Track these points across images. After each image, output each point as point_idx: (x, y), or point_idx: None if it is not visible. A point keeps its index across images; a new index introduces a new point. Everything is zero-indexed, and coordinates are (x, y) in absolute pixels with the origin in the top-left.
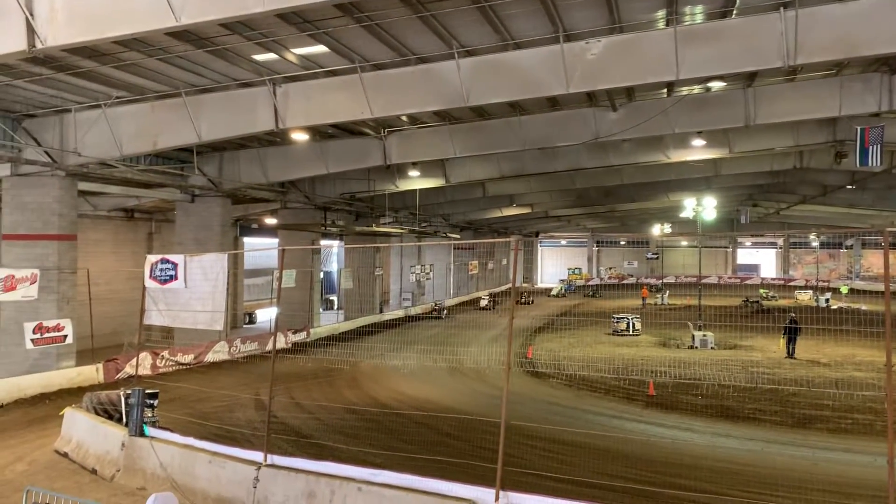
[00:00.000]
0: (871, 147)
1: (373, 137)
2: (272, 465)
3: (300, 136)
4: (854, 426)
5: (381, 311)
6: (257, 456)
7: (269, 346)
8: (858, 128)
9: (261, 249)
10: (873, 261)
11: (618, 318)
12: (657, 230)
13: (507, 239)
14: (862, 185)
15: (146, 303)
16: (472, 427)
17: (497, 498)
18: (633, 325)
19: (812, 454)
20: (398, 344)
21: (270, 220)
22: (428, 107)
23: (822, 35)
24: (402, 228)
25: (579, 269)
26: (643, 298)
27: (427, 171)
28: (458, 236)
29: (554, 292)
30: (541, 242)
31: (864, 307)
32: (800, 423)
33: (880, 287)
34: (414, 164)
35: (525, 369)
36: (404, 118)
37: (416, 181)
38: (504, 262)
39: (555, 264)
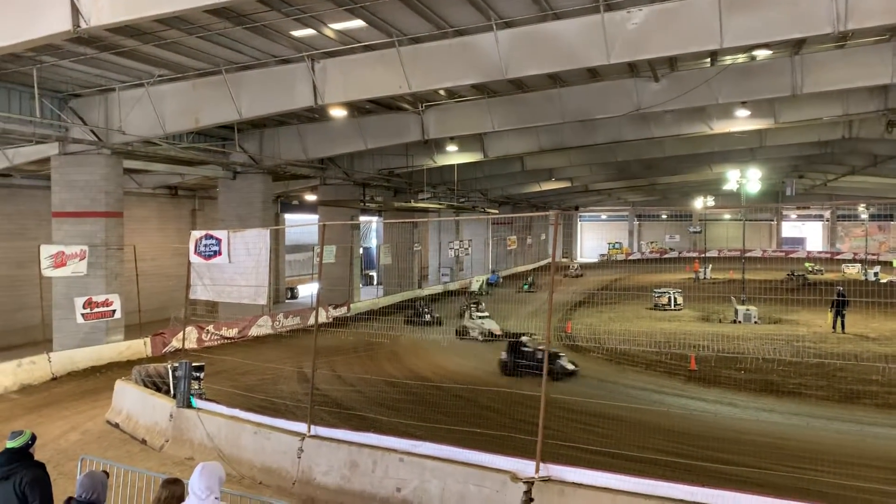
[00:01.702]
0: None
1: (410, 112)
2: (316, 436)
3: (339, 113)
4: None
5: (419, 287)
6: (301, 427)
7: (311, 321)
8: None
9: (301, 225)
10: None
11: (659, 293)
12: (700, 203)
13: (546, 213)
14: None
15: (191, 278)
16: (512, 400)
17: (537, 470)
18: (675, 299)
19: (859, 429)
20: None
21: (310, 197)
22: (466, 80)
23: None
24: (440, 204)
25: (619, 243)
26: (696, 272)
27: (465, 145)
28: (497, 211)
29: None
30: (580, 217)
31: None
32: (846, 398)
33: None
34: (452, 139)
35: (564, 343)
36: (442, 92)
37: (453, 156)
38: (543, 237)
39: (595, 238)
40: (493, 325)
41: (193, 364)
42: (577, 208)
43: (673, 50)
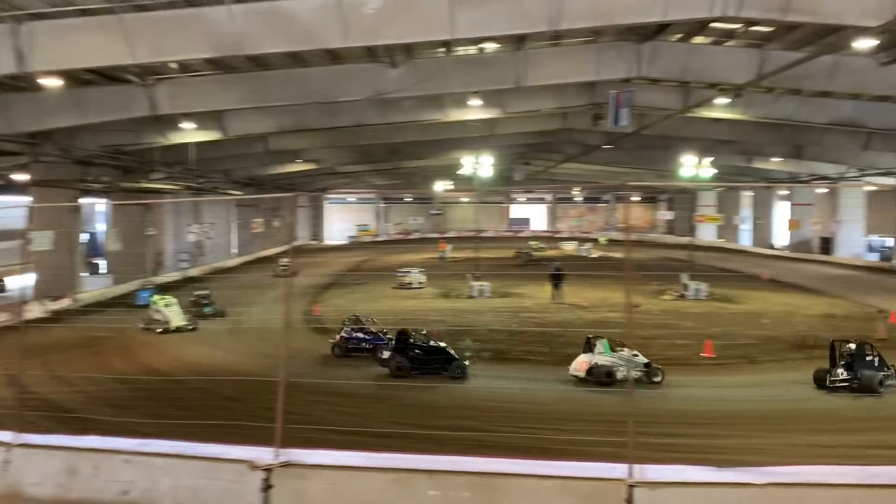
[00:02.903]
0: (621, 109)
1: (138, 85)
2: (25, 445)
3: (52, 82)
4: None
5: (155, 274)
6: (4, 436)
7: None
8: (612, 92)
9: (7, 208)
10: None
11: (403, 272)
12: (440, 187)
13: (288, 195)
14: (617, 145)
15: None
16: (255, 388)
17: (276, 456)
18: (418, 278)
19: (575, 388)
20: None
21: (20, 176)
22: (199, 54)
23: (581, 3)
24: (176, 185)
25: (367, 225)
26: (442, 251)
27: (202, 123)
28: (240, 193)
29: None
30: (328, 199)
31: (618, 255)
32: (562, 361)
33: (631, 237)
34: (187, 116)
35: (312, 326)
36: (174, 65)
37: (190, 134)
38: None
39: (343, 220)
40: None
41: None
42: (324, 190)
43: (408, 37)
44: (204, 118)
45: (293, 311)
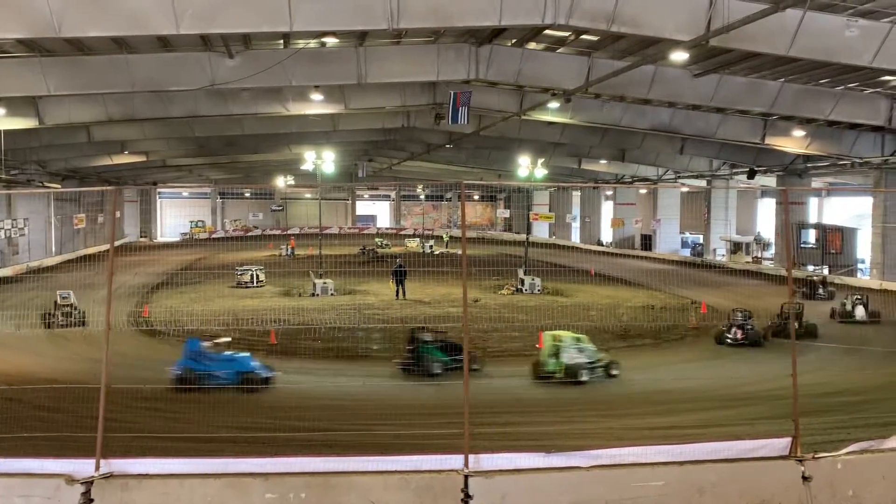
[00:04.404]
0: (460, 108)
1: None
2: None
3: None
4: None
5: None
6: None
7: None
8: (452, 92)
9: None
10: (468, 211)
11: (241, 270)
12: (281, 182)
13: (111, 188)
14: (458, 144)
15: None
16: (76, 396)
17: (97, 467)
18: (258, 276)
19: (411, 384)
20: None
21: None
22: (8, 33)
23: (421, 3)
24: None
25: (202, 221)
26: (292, 248)
27: (14, 109)
28: (59, 186)
29: None
30: (159, 193)
31: (460, 252)
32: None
33: (471, 234)
34: None
35: (141, 329)
36: None
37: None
38: (119, 214)
39: (177, 216)
40: None
41: None
42: (154, 184)
43: (245, 27)
44: (16, 104)
45: (120, 313)
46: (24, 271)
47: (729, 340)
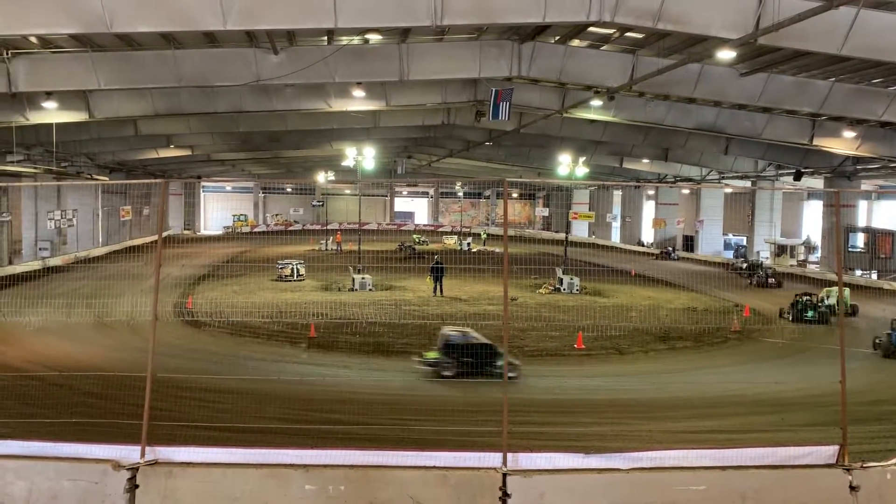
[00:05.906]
0: (501, 104)
1: None
2: None
3: None
4: None
5: (10, 263)
6: None
7: None
8: (493, 89)
9: None
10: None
11: (282, 264)
12: (322, 178)
13: (158, 181)
14: (497, 142)
15: None
16: (121, 384)
17: (143, 454)
18: (298, 270)
19: (451, 381)
20: (31, 299)
21: None
22: (61, 28)
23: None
24: (35, 168)
25: (245, 215)
26: (337, 243)
27: (66, 102)
28: (107, 178)
29: None
30: (203, 187)
31: (498, 250)
32: None
33: (510, 232)
34: (49, 94)
35: (184, 319)
36: (33, 39)
37: (52, 114)
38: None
39: (220, 209)
40: None
41: None
42: (199, 178)
43: (290, 23)
44: (68, 97)
45: (166, 303)
46: (73, 261)
47: None
